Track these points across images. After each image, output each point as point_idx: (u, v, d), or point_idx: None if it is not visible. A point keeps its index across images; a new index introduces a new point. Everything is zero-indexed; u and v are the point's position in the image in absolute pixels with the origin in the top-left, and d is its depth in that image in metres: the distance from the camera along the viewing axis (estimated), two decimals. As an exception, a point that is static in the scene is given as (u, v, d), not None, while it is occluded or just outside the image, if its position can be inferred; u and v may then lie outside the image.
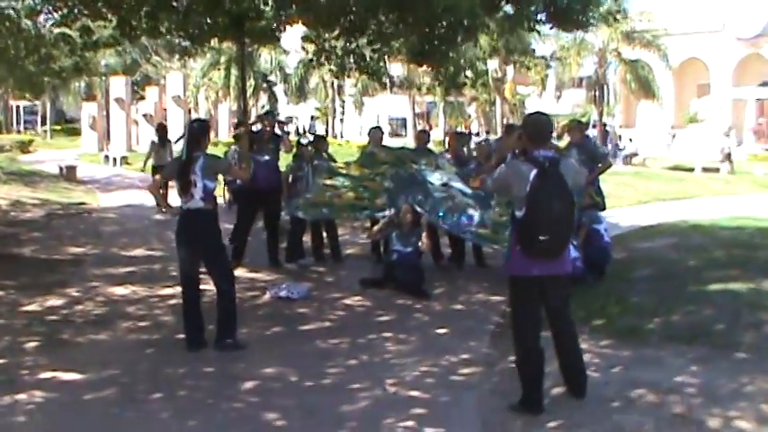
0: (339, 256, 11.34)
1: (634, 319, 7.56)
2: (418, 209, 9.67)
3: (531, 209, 5.16)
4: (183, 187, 6.96)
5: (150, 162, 16.96)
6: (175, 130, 37.38)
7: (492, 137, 35.25)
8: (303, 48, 15.09)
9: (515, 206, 5.34)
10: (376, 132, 11.89)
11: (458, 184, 9.95)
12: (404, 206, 9.71)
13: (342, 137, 45.30)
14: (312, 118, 54.41)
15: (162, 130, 17.66)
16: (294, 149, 11.23)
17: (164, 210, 7.57)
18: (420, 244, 9.93)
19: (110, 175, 27.17)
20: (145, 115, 39.46)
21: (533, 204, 5.15)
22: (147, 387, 6.01)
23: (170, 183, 7.67)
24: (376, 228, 10.57)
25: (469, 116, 52.73)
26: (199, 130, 7.19)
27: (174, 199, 7.54)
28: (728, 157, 29.19)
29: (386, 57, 13.32)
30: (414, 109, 47.13)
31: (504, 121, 38.88)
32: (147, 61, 48.15)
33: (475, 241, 9.99)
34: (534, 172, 5.18)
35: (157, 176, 8.18)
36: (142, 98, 44.23)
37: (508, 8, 11.23)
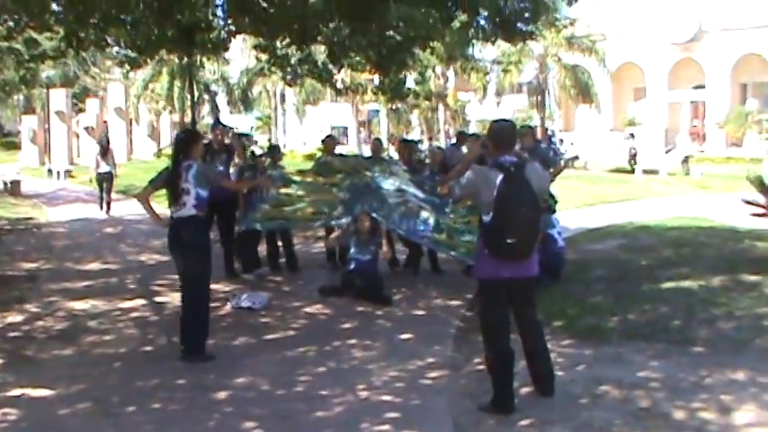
0: (295, 265, 11.35)
1: (593, 318, 7.73)
2: (375, 216, 9.72)
3: (499, 213, 5.26)
4: (175, 196, 7.00)
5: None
6: (118, 142, 37.11)
7: (436, 143, 35.59)
8: (256, 57, 15.15)
9: (483, 211, 5.44)
10: (331, 141, 11.95)
11: (411, 189, 10.03)
12: (361, 214, 9.76)
13: (284, 147, 45.21)
14: (251, 128, 53.19)
15: (105, 139, 17.87)
16: (248, 160, 11.25)
17: (156, 221, 7.57)
18: (379, 252, 9.99)
19: (55, 189, 26.73)
20: (86, 128, 38.91)
21: (501, 208, 5.24)
22: (121, 400, 5.96)
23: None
24: (332, 236, 10.62)
25: (410, 123, 53.06)
26: (189, 139, 7.28)
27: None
28: (635, 157, 31.72)
29: (342, 65, 13.40)
30: (357, 117, 47.15)
31: (445, 128, 39.20)
32: (86, 73, 47.38)
33: (432, 247, 10.08)
34: (501, 177, 5.28)
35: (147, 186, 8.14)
36: (82, 110, 43.62)
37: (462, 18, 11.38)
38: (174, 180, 7.02)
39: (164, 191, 7.18)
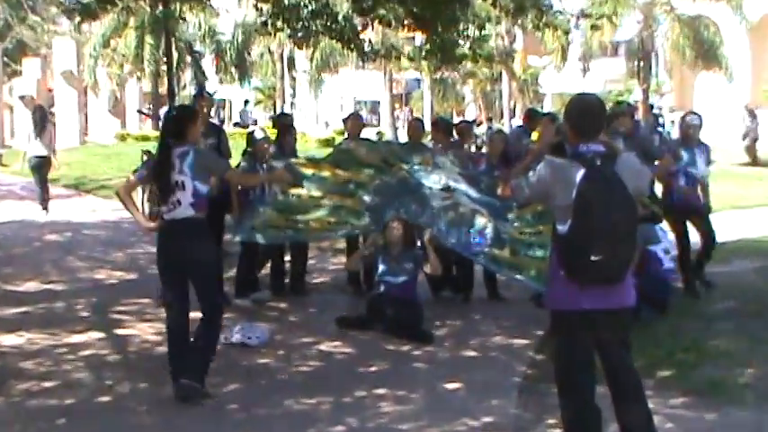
0: (303, 288, 11.49)
1: (717, 369, 7.55)
2: (417, 221, 9.79)
3: (580, 221, 5.22)
4: (166, 192, 7.20)
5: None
6: (67, 118, 37.12)
7: (496, 126, 35.40)
8: (256, 7, 15.13)
9: (558, 218, 5.42)
10: (355, 121, 11.91)
11: (463, 187, 9.96)
12: (392, 219, 9.76)
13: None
14: (245, 103, 53.00)
15: (40, 111, 17.97)
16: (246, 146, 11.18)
17: (143, 225, 7.84)
18: (422, 269, 10.00)
19: (-23, 181, 26.54)
20: (23, 97, 38.87)
21: (582, 215, 5.21)
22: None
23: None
24: (355, 255, 10.67)
25: (462, 98, 52.93)
26: (184, 116, 7.47)
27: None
28: (755, 143, 31.17)
29: (372, 20, 13.36)
30: (390, 89, 46.72)
31: (510, 105, 38.97)
32: (22, 22, 46.41)
33: (489, 267, 10.00)
34: (582, 173, 5.27)
35: (131, 177, 8.26)
36: (17, 74, 43.63)
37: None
38: (165, 171, 7.18)
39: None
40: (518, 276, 9.24)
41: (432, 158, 10.57)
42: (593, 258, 5.21)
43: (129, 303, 10.59)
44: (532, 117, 13.28)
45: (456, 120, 29.76)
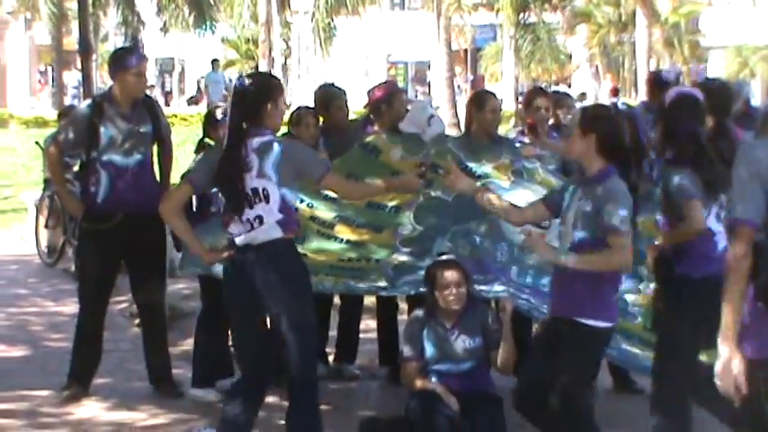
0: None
1: None
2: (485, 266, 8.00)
3: None
4: (236, 204, 6.42)
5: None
6: None
7: (622, 100, 29.25)
8: None
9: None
10: (390, 95, 9.13)
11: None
12: (441, 265, 7.45)
13: (289, 105, 36.34)
14: (214, 63, 38.60)
15: None
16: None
17: (205, 256, 6.88)
18: (494, 317, 7.67)
19: None
20: None
21: None
22: None
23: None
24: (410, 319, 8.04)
25: (569, 58, 43.55)
26: (263, 90, 6.59)
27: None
28: None
29: None
30: (448, 42, 35.47)
31: (651, 66, 32.18)
32: None
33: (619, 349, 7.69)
34: None
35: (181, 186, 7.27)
36: None
37: None
38: (237, 172, 6.36)
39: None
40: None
41: (511, 160, 8.52)
42: None
43: (14, 398, 8.46)
44: (659, 85, 10.11)
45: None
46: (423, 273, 7.77)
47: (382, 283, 8.34)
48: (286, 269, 6.53)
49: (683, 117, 6.63)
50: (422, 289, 7.80)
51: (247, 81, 6.70)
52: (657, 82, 10.49)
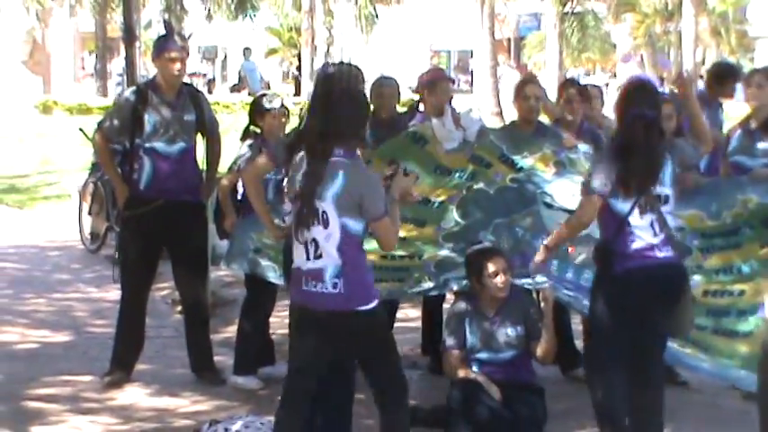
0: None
1: None
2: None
3: None
4: (302, 219, 5.81)
5: None
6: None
7: (668, 88, 28.94)
8: None
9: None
10: (436, 82, 8.94)
11: None
12: (484, 254, 7.46)
13: None
14: (246, 51, 39.36)
15: None
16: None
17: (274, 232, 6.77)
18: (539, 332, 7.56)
19: None
20: None
21: None
22: None
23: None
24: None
25: (613, 46, 41.75)
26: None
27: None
28: None
29: None
30: (492, 31, 34.76)
31: (698, 56, 31.64)
32: None
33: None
34: None
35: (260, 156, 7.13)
36: None
37: None
38: (314, 185, 5.73)
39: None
40: (704, 363, 7.52)
41: (554, 151, 8.13)
42: None
43: (57, 383, 8.28)
44: (721, 75, 10.33)
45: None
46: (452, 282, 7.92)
47: (426, 284, 8.30)
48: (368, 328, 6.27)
49: None
50: (465, 282, 7.83)
51: (334, 70, 6.53)
52: (722, 69, 10.79)
